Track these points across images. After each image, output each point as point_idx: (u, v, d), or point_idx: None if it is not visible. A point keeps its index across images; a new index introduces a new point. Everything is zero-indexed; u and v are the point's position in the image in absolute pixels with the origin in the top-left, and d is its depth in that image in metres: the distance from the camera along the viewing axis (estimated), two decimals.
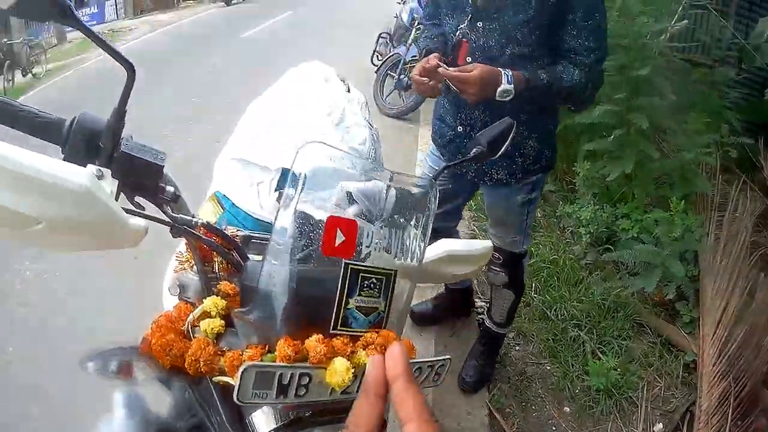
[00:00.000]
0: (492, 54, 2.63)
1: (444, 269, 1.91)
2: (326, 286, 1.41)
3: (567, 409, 3.57)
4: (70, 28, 1.37)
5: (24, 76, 17.36)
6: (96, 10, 34.92)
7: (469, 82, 2.45)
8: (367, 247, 1.47)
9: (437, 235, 2.94)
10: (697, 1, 5.41)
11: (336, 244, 1.39)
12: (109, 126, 1.39)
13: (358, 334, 1.44)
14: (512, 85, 2.47)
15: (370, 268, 1.43)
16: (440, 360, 1.58)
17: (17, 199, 1.12)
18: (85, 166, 1.33)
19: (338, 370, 1.32)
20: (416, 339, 4.03)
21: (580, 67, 2.57)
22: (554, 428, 3.48)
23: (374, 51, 9.56)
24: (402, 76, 8.42)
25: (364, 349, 1.40)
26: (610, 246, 4.53)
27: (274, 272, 1.42)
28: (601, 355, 3.82)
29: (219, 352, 1.42)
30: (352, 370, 1.35)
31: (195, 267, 1.63)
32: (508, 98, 2.48)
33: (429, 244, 1.79)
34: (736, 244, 3.86)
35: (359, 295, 1.42)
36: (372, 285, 1.44)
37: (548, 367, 3.84)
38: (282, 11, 23.20)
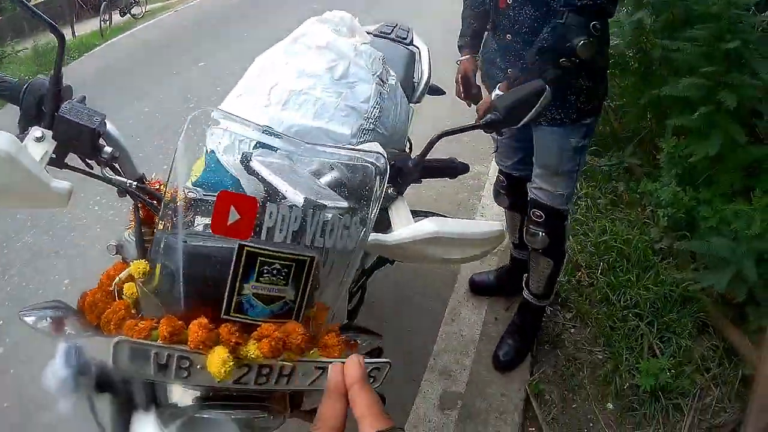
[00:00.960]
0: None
1: (431, 251, 1.80)
2: (221, 265, 1.36)
3: (610, 405, 3.43)
4: None
5: (122, 16, 18.16)
6: None
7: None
8: (280, 231, 1.40)
9: (517, 187, 3.36)
10: None
11: (229, 223, 1.32)
12: (49, 90, 1.54)
13: (255, 323, 1.38)
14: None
15: (272, 252, 1.36)
16: (375, 362, 1.52)
17: None
18: (32, 127, 1.52)
19: (214, 361, 1.28)
20: (468, 308, 4.05)
21: (559, 12, 2.52)
22: (591, 425, 3.35)
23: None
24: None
25: (257, 341, 1.35)
26: (687, 233, 4.28)
27: (167, 242, 1.41)
28: (657, 352, 3.65)
29: (129, 317, 1.44)
30: (231, 364, 1.29)
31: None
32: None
33: (422, 219, 1.77)
34: None
35: (258, 281, 1.35)
36: (276, 271, 1.36)
37: (600, 357, 3.70)
38: None
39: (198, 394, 1.52)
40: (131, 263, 1.56)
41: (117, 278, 1.56)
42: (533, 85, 1.87)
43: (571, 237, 4.34)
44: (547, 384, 3.55)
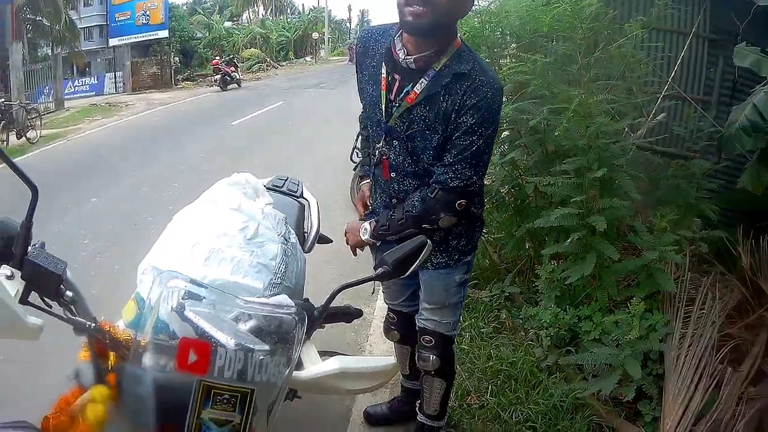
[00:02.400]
0: (410, 170, 3.06)
1: (337, 384, 2.15)
2: (184, 394, 1.64)
3: None
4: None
5: (18, 138, 18.11)
6: (96, 82, 36.49)
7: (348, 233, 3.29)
8: (228, 369, 1.71)
9: (405, 322, 3.64)
10: (674, 93, 5.68)
11: (189, 362, 1.64)
12: (19, 236, 1.73)
13: None
14: (367, 235, 3.14)
15: (223, 385, 1.68)
16: None
17: None
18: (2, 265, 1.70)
19: None
20: None
21: (430, 185, 2.91)
22: None
23: (354, 148, 9.76)
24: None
25: None
26: (571, 348, 4.64)
27: (136, 374, 1.67)
28: None
29: None
30: None
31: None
32: (366, 235, 3.14)
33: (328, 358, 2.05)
34: (702, 340, 3.97)
35: (212, 408, 1.66)
36: (226, 400, 1.68)
37: None
38: (275, 101, 24.88)
39: None
40: (90, 388, 1.78)
41: (78, 400, 1.76)
42: (417, 240, 2.22)
43: (458, 366, 4.52)
44: None
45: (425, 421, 3.83)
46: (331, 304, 2.18)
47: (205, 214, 2.68)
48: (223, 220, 2.56)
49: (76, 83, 36.29)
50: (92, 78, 37.57)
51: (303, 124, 18.34)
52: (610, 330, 4.23)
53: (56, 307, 1.81)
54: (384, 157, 3.11)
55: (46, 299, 1.83)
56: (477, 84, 2.74)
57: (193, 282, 1.90)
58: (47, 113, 24.19)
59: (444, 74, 2.78)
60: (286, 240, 2.68)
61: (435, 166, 2.90)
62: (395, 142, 3.02)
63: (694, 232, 4.73)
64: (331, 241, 4.19)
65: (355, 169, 9.22)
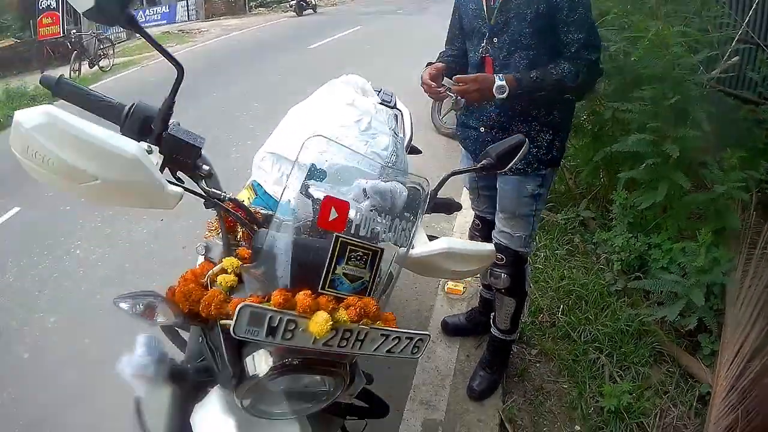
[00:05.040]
0: (510, 62, 3.23)
1: (443, 264, 2.25)
2: (319, 253, 1.79)
3: (578, 427, 3.79)
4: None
5: (91, 67, 18.54)
6: (167, 10, 36.37)
7: (467, 82, 3.11)
8: (363, 228, 1.87)
9: (490, 228, 3.72)
10: (748, 38, 5.68)
11: (330, 219, 1.77)
12: (161, 112, 1.87)
13: (343, 296, 1.82)
14: (504, 81, 3.05)
15: (358, 243, 1.82)
16: (419, 334, 1.95)
17: (82, 160, 1.57)
18: (138, 142, 1.74)
19: (318, 321, 1.70)
20: (442, 346, 4.42)
21: (571, 59, 3.11)
22: None
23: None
24: (459, 97, 8.52)
25: (345, 309, 1.78)
26: (640, 274, 4.76)
27: (276, 238, 1.84)
28: (618, 379, 4.04)
29: (228, 300, 1.82)
30: (331, 323, 1.72)
31: (221, 234, 2.07)
32: (505, 94, 3.06)
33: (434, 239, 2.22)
34: (761, 281, 4.01)
35: (347, 263, 1.81)
36: (359, 257, 1.83)
37: (565, 386, 4.08)
38: (351, 26, 24.28)
39: (266, 368, 1.86)
40: (221, 261, 1.96)
41: (210, 271, 1.94)
42: (515, 138, 2.38)
43: (532, 283, 4.74)
44: (519, 411, 3.90)
45: (497, 335, 4.00)
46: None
47: (323, 107, 2.84)
48: (340, 113, 2.72)
49: (147, 12, 36.03)
50: (163, 6, 37.45)
51: (380, 50, 18.17)
52: (677, 258, 4.31)
53: (189, 183, 1.92)
54: (486, 55, 3.31)
55: (179, 176, 1.97)
56: None
57: (313, 168, 2.00)
58: (119, 42, 24.36)
59: None
60: (395, 134, 2.83)
61: (561, 47, 3.14)
62: (495, 39, 3.24)
63: (762, 175, 4.70)
64: (421, 152, 4.31)
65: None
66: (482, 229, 4.01)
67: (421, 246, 2.17)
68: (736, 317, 3.91)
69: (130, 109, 1.95)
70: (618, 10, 4.88)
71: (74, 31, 20.24)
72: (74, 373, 4.32)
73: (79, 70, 17.57)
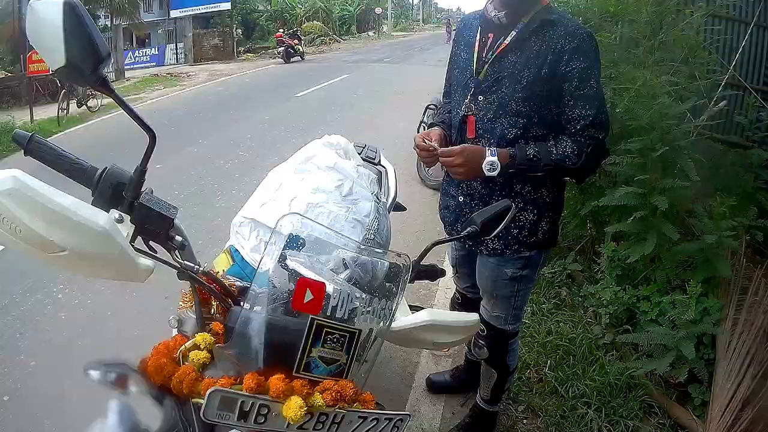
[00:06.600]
0: (495, 128, 2.94)
1: (426, 336, 2.19)
2: (294, 335, 1.75)
3: None
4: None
5: (79, 107, 18.39)
6: (156, 53, 36.83)
7: (453, 156, 2.82)
8: (340, 309, 1.81)
9: (470, 305, 3.53)
10: (735, 82, 5.69)
11: (304, 302, 1.72)
12: (133, 180, 1.81)
13: (319, 379, 1.77)
14: (496, 157, 2.78)
15: (334, 325, 1.78)
16: (399, 414, 1.89)
17: (50, 230, 1.53)
18: (108, 211, 1.74)
19: (292, 407, 1.65)
20: (426, 404, 4.33)
21: (575, 137, 2.82)
22: None
23: (421, 122, 9.76)
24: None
25: (321, 393, 1.73)
26: (629, 327, 4.71)
27: (250, 317, 1.79)
28: None
29: (200, 378, 1.77)
30: (305, 409, 1.67)
31: (194, 306, 2.00)
32: (495, 171, 2.79)
33: (417, 311, 2.16)
34: (752, 328, 3.99)
35: (323, 346, 1.76)
36: (335, 339, 1.78)
37: None
38: (339, 74, 24.61)
39: None
40: (194, 335, 1.90)
41: (182, 347, 1.89)
42: (502, 203, 2.31)
43: (519, 339, 4.63)
44: None
45: (479, 402, 3.90)
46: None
47: (300, 171, 2.78)
48: (320, 177, 2.66)
49: (136, 54, 36.67)
50: (153, 49, 37.94)
51: (367, 98, 18.29)
52: (666, 310, 4.28)
53: (161, 253, 1.90)
54: (470, 114, 3.02)
55: (151, 244, 1.93)
56: (571, 29, 2.79)
57: (292, 236, 1.94)
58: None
59: (532, 21, 2.82)
60: (378, 199, 2.77)
61: (564, 121, 2.86)
62: (481, 97, 2.96)
63: (751, 221, 4.71)
64: (405, 209, 4.25)
65: None
66: (463, 304, 3.89)
67: (403, 318, 2.12)
68: (728, 365, 3.88)
69: (101, 174, 1.89)
70: (605, 60, 4.82)
71: None
72: (56, 417, 4.23)
73: (68, 109, 17.49)
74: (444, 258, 5.01)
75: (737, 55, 5.93)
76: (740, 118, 5.81)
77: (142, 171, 1.83)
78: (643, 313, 4.52)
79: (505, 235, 3.07)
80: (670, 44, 4.94)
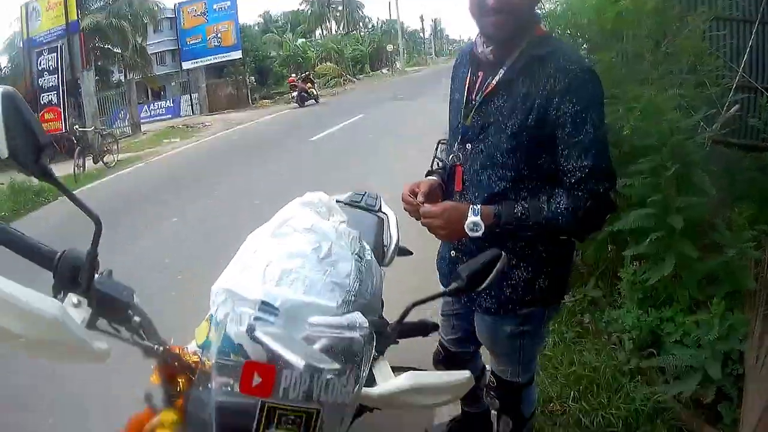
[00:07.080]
0: (480, 181, 2.69)
1: (411, 399, 2.07)
2: (246, 418, 1.67)
3: None
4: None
5: (95, 163, 18.85)
6: (171, 105, 37.62)
7: (431, 217, 2.59)
8: (293, 390, 1.72)
9: (454, 360, 3.33)
10: (745, 83, 5.55)
11: (253, 385, 1.66)
12: (84, 268, 1.78)
13: None
14: (479, 217, 2.49)
15: (287, 406, 1.69)
16: None
17: (4, 318, 1.50)
18: (67, 294, 1.75)
19: None
20: None
21: (572, 191, 2.49)
22: None
23: (434, 157, 9.73)
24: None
25: None
26: (653, 350, 4.53)
27: (200, 398, 1.72)
28: None
29: None
30: None
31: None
32: (479, 232, 2.50)
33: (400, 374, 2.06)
34: None
35: (277, 429, 1.68)
36: (291, 420, 1.69)
37: None
38: (353, 115, 24.83)
39: None
40: (160, 411, 1.84)
41: (148, 424, 1.83)
42: (490, 252, 2.08)
43: (540, 371, 4.47)
44: None
45: None
46: (406, 319, 2.16)
47: (277, 235, 2.65)
48: (296, 241, 2.51)
49: (152, 107, 37.43)
50: (168, 101, 38.59)
51: (382, 138, 18.33)
52: (691, 330, 4.12)
53: (124, 332, 1.86)
54: (458, 163, 2.78)
55: (114, 324, 1.87)
56: (562, 64, 2.44)
57: (264, 305, 1.92)
58: (124, 137, 25.12)
59: (521, 58, 2.51)
60: (360, 257, 2.62)
61: (560, 173, 2.53)
62: (468, 146, 2.71)
63: None
64: (412, 253, 4.08)
65: None
66: (444, 361, 3.54)
67: (382, 384, 2.01)
68: (757, 379, 3.70)
69: (59, 258, 1.85)
70: (608, 79, 4.66)
71: (77, 126, 20.67)
72: None
73: (84, 165, 17.79)
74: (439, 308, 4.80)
75: (745, 56, 5.78)
76: (754, 121, 5.68)
77: (93, 256, 1.80)
78: (668, 335, 4.34)
79: (498, 294, 2.80)
80: (676, 54, 4.82)
